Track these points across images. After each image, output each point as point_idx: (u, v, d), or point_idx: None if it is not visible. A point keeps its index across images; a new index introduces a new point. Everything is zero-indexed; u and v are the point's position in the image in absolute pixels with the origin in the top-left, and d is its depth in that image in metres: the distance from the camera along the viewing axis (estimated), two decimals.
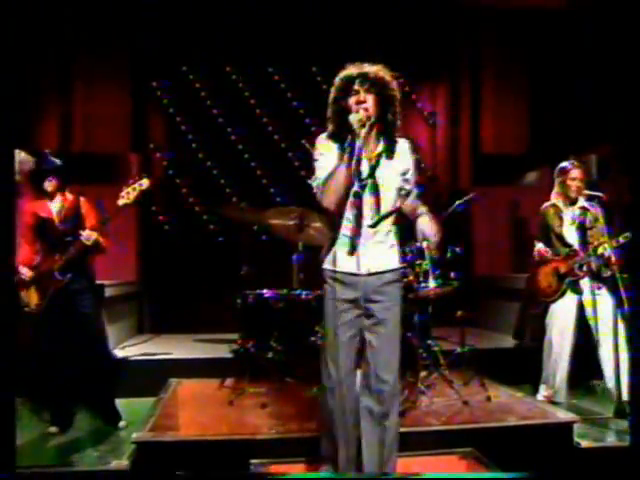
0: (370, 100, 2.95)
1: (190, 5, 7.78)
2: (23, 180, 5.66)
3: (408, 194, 3.19)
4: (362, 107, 2.93)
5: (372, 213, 3.01)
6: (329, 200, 2.93)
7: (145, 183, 4.27)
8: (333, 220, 3.07)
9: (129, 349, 6.09)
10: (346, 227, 3.03)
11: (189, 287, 7.53)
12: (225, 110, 8.07)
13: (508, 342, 6.57)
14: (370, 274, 3.03)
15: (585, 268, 4.76)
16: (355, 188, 2.93)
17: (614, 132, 7.16)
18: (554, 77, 8.18)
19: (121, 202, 4.23)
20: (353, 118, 2.88)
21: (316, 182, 3.00)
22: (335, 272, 3.05)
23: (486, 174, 8.24)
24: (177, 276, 7.61)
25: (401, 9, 7.83)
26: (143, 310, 7.48)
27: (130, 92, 7.87)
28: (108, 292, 5.58)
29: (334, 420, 3.02)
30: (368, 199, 3.00)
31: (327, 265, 3.10)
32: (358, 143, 2.84)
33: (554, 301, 4.90)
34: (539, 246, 5.04)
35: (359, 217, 2.99)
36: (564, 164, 4.98)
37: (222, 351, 5.62)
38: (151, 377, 5.23)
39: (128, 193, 4.24)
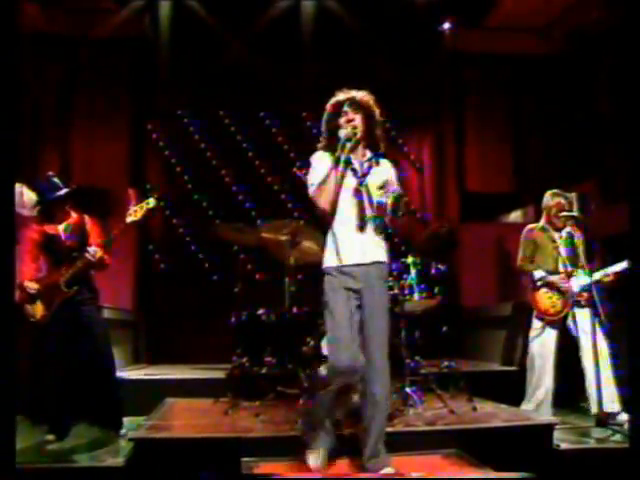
0: (358, 119, 3.42)
1: (184, 54, 8.25)
2: (29, 212, 5.85)
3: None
4: (351, 125, 3.39)
5: (365, 211, 3.39)
6: (324, 200, 3.33)
7: (152, 202, 4.48)
8: (330, 220, 3.39)
9: (127, 373, 6.15)
10: (346, 223, 3.39)
11: (185, 320, 7.69)
12: (218, 152, 8.40)
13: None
14: (372, 263, 3.38)
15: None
16: (354, 185, 3.38)
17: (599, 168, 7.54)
18: (536, 118, 8.60)
19: (129, 219, 4.44)
20: (342, 133, 3.35)
21: (312, 187, 3.40)
22: (339, 266, 3.33)
23: (473, 212, 8.60)
24: (173, 309, 7.79)
25: (388, 56, 8.31)
26: (139, 341, 7.57)
27: (127, 134, 8.25)
28: (106, 314, 5.68)
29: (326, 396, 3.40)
30: (364, 197, 3.40)
31: (329, 262, 3.40)
32: (346, 150, 3.31)
33: (558, 321, 5.01)
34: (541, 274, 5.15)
35: (360, 211, 3.38)
36: (545, 197, 5.26)
37: (217, 373, 5.67)
38: (147, 397, 5.25)
39: (135, 211, 4.44)
